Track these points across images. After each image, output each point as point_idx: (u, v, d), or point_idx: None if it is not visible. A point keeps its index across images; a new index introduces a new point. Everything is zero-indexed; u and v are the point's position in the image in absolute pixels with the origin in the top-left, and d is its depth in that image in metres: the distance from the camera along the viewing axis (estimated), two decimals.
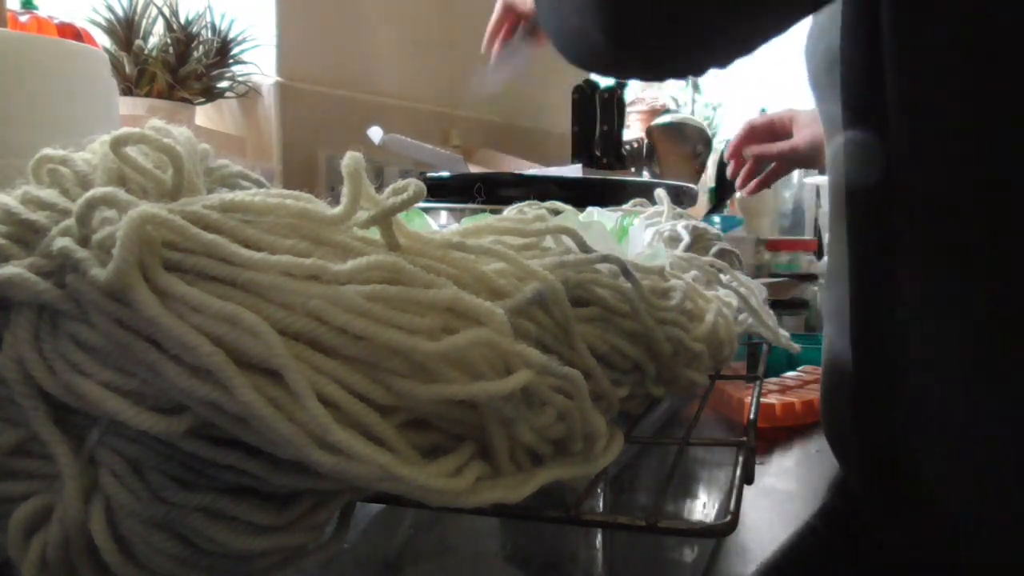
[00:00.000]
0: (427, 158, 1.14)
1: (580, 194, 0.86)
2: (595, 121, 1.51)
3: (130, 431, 0.23)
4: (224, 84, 1.14)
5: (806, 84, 0.59)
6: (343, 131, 1.24)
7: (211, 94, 1.13)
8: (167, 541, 0.23)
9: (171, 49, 1.06)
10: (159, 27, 1.07)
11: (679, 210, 0.62)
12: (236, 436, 0.22)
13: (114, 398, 0.22)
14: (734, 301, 0.47)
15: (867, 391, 0.50)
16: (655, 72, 0.48)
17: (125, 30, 1.03)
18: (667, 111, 1.85)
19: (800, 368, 0.99)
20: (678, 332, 0.36)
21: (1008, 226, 0.43)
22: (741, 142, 1.13)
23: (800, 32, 0.57)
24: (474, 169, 1.20)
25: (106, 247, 0.23)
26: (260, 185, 0.34)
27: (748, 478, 0.34)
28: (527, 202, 0.44)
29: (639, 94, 1.94)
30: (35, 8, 0.87)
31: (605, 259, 0.34)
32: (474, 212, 0.79)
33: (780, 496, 0.62)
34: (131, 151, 0.28)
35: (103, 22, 1.02)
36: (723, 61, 0.43)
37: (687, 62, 0.44)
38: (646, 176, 1.55)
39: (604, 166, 1.50)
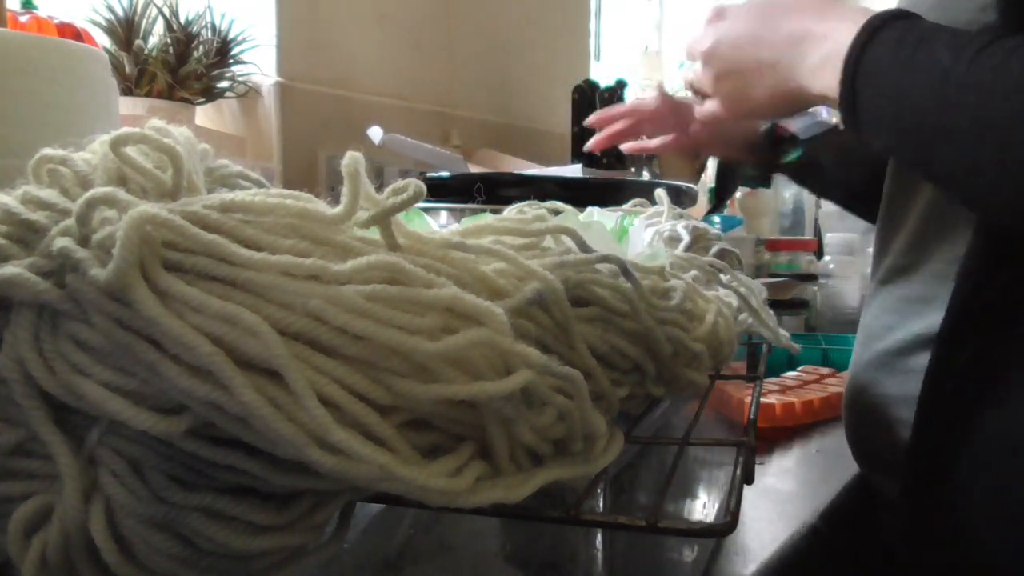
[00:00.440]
0: (427, 158, 1.14)
1: (580, 194, 0.86)
2: None
3: (130, 431, 0.23)
4: (224, 84, 1.14)
5: None
6: (343, 131, 1.24)
7: (211, 94, 1.13)
8: (167, 541, 0.23)
9: (171, 49, 1.06)
10: (159, 27, 1.07)
11: (679, 210, 0.62)
12: (236, 436, 0.22)
13: (114, 398, 0.22)
14: (734, 301, 0.47)
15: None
16: None
17: (125, 30, 1.03)
18: None
19: (800, 368, 0.99)
20: (678, 332, 0.36)
21: None
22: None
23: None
24: (474, 169, 1.20)
25: (106, 247, 0.23)
26: (260, 185, 0.34)
27: (748, 478, 0.34)
28: (527, 202, 0.44)
29: (639, 94, 1.93)
30: (35, 8, 0.87)
31: (605, 259, 0.34)
32: (474, 212, 0.79)
33: (780, 496, 0.62)
34: (131, 151, 0.28)
35: (103, 22, 1.02)
36: None
37: None
38: (646, 176, 1.55)
39: (604, 166, 1.49)
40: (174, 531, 0.23)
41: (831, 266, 1.47)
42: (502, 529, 0.41)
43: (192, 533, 0.23)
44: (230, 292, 0.23)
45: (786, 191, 1.68)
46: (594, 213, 0.58)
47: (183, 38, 1.07)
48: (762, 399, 0.80)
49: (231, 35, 1.12)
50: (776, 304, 1.21)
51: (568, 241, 0.36)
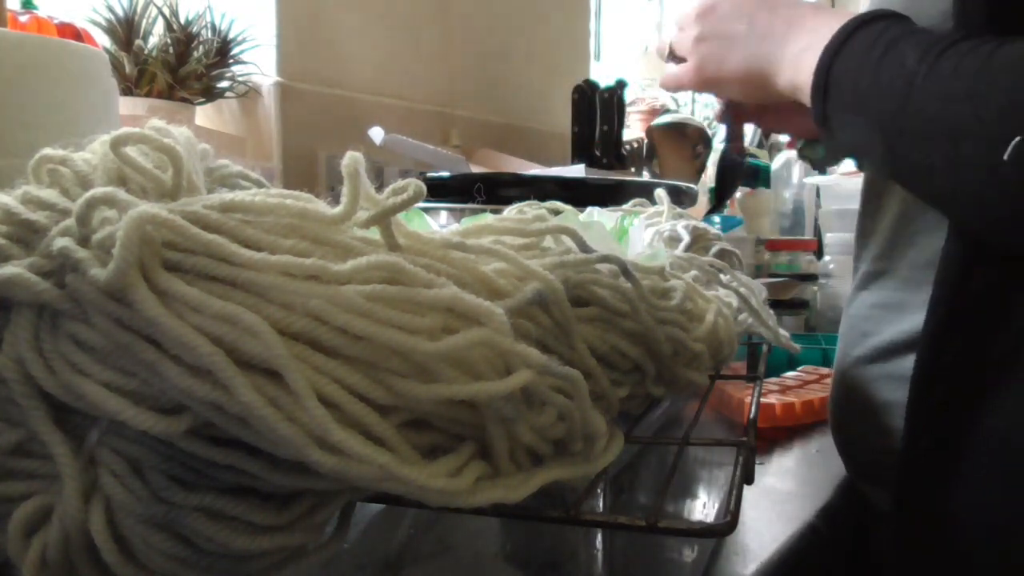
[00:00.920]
0: (427, 158, 1.14)
1: (580, 194, 0.86)
2: (595, 121, 1.51)
3: (130, 431, 0.23)
4: (224, 84, 1.14)
5: None
6: (343, 131, 1.24)
7: (211, 94, 1.13)
8: (167, 541, 0.23)
9: (171, 49, 1.06)
10: (159, 27, 1.07)
11: (679, 210, 0.62)
12: (236, 436, 0.22)
13: (114, 398, 0.22)
14: (734, 301, 0.47)
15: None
16: None
17: (125, 30, 1.03)
18: (667, 111, 1.84)
19: (800, 368, 0.99)
20: (678, 332, 0.36)
21: None
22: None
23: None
24: (474, 169, 1.20)
25: (106, 247, 0.23)
26: (260, 185, 0.34)
27: (748, 478, 0.34)
28: (527, 202, 0.44)
29: (639, 94, 1.94)
30: (35, 8, 0.87)
31: (605, 259, 0.34)
32: (474, 212, 0.79)
33: (780, 496, 0.62)
34: (131, 151, 0.28)
35: (103, 22, 1.02)
36: None
37: None
38: (646, 176, 1.55)
39: (604, 166, 1.49)
40: (174, 531, 0.23)
41: (831, 266, 1.47)
42: (502, 529, 0.41)
43: (192, 533, 0.23)
44: (230, 292, 0.23)
45: (786, 191, 1.68)
46: (594, 213, 0.58)
47: (183, 38, 1.07)
48: (762, 399, 0.80)
49: (231, 35, 1.12)
50: (776, 304, 1.21)
51: (568, 241, 0.36)
